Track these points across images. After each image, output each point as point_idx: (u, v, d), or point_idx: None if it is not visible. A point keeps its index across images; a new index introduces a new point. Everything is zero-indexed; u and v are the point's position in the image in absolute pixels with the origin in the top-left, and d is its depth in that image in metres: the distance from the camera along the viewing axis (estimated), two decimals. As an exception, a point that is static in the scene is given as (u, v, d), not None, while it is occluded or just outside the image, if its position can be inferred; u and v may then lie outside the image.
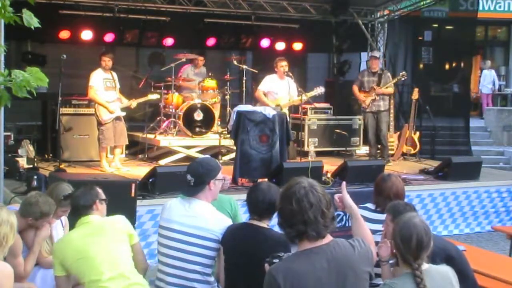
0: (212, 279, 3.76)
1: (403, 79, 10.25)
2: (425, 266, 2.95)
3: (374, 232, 4.11)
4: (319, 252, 2.57)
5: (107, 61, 8.49)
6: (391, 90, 10.19)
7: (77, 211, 3.82)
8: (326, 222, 2.58)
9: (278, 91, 9.36)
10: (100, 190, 3.96)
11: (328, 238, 2.62)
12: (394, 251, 3.07)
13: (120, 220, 3.88)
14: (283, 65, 9.29)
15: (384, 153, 10.02)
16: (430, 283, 2.88)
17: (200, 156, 8.57)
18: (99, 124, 8.49)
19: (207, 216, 3.72)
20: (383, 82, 9.92)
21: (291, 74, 9.38)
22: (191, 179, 3.76)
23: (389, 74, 10.22)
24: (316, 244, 2.58)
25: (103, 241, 3.70)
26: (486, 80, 17.60)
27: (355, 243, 2.70)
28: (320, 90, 9.61)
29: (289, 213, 2.58)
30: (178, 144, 9.54)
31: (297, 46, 12.70)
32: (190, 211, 3.74)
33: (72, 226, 4.13)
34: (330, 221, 2.60)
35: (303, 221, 2.54)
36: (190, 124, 9.61)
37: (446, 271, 3.03)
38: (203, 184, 3.76)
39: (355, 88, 10.17)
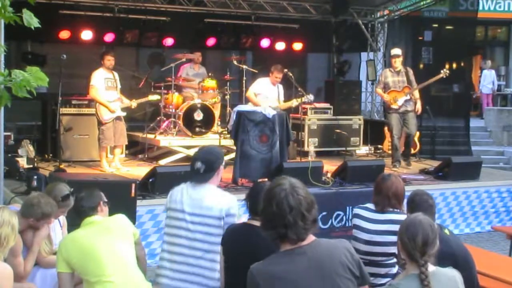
0: (217, 259, 3.82)
1: (444, 76, 9.51)
2: (432, 268, 2.96)
3: (374, 232, 4.14)
4: (300, 253, 2.58)
5: (111, 60, 8.50)
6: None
7: (83, 213, 3.88)
8: (307, 225, 2.57)
9: (268, 94, 9.31)
10: (102, 193, 4.04)
11: (310, 238, 2.63)
12: (401, 251, 3.06)
13: (123, 218, 3.97)
14: (277, 76, 9.13)
15: (407, 154, 9.57)
16: (436, 285, 2.89)
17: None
18: (100, 123, 8.48)
19: (211, 196, 3.82)
20: (411, 80, 9.39)
21: (290, 74, 9.37)
22: (201, 167, 3.81)
23: (411, 71, 9.62)
24: (297, 245, 2.59)
25: (109, 240, 3.75)
26: (486, 80, 17.60)
27: (336, 242, 2.70)
28: (310, 97, 9.55)
29: (270, 215, 2.59)
30: (178, 144, 9.54)
31: (297, 46, 12.70)
32: (195, 194, 3.85)
33: (73, 225, 4.16)
34: (311, 223, 2.59)
35: (283, 224, 2.55)
36: (190, 124, 9.61)
37: (453, 275, 3.04)
38: (213, 171, 3.87)
39: (380, 90, 9.58)
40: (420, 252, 2.93)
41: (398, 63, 9.47)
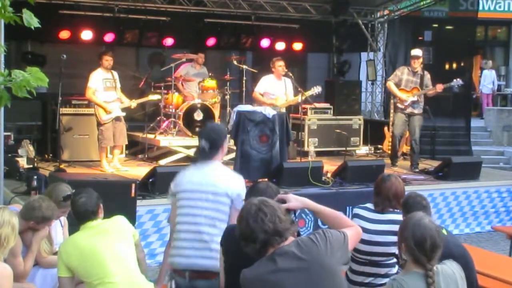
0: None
1: (456, 85, 9.46)
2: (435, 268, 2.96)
3: (374, 232, 4.14)
4: (281, 253, 2.66)
5: (110, 60, 8.48)
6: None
7: (86, 217, 3.87)
8: (286, 225, 2.70)
9: (274, 91, 9.22)
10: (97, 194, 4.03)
11: (290, 239, 2.72)
12: (404, 253, 3.04)
13: (122, 220, 3.98)
14: (280, 65, 9.11)
15: (414, 160, 9.39)
16: (437, 282, 2.90)
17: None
18: (99, 124, 8.47)
19: (216, 173, 3.90)
20: (425, 84, 9.17)
21: (290, 74, 9.35)
22: (206, 145, 3.97)
23: (429, 75, 9.35)
24: (278, 247, 2.68)
25: (109, 241, 3.76)
26: (487, 80, 17.59)
27: (315, 237, 2.73)
28: (317, 89, 9.45)
29: (249, 230, 2.69)
30: (178, 144, 9.53)
31: (297, 46, 12.70)
32: (200, 173, 3.91)
33: (74, 225, 4.16)
34: (290, 223, 2.73)
35: (264, 230, 2.66)
36: (190, 124, 9.60)
37: (452, 271, 3.03)
38: (218, 148, 3.99)
39: (391, 84, 9.30)
40: (427, 257, 2.92)
41: (417, 64, 9.21)
